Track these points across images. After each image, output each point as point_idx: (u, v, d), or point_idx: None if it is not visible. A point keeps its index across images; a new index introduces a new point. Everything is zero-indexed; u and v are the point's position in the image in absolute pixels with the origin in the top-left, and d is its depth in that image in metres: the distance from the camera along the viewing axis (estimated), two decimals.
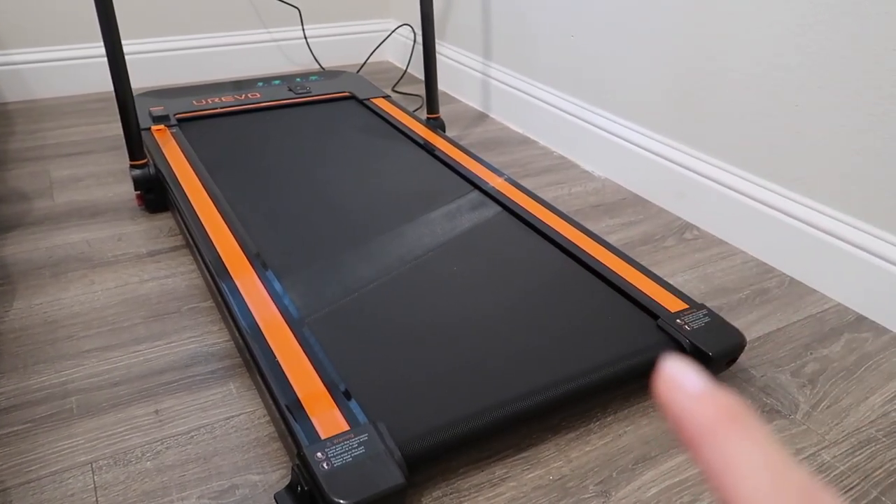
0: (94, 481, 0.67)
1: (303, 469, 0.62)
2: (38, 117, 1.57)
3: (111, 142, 1.44)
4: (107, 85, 1.10)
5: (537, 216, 1.06)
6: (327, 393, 0.69)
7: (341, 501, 0.58)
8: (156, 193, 1.16)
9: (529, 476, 0.70)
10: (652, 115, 1.28)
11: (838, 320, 0.97)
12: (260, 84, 1.52)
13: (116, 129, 1.49)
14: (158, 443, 0.72)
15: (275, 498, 0.65)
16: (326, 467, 0.61)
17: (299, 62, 1.97)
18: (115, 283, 0.98)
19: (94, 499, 0.66)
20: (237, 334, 0.80)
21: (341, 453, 0.62)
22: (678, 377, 0.17)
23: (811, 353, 0.90)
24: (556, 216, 1.06)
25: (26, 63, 1.66)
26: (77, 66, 1.71)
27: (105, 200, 1.21)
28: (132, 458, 0.70)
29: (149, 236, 1.10)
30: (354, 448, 0.63)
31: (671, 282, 0.99)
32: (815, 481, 0.16)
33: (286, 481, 0.67)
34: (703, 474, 0.15)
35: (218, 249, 0.92)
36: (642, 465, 0.72)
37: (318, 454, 0.62)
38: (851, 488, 0.70)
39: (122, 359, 0.83)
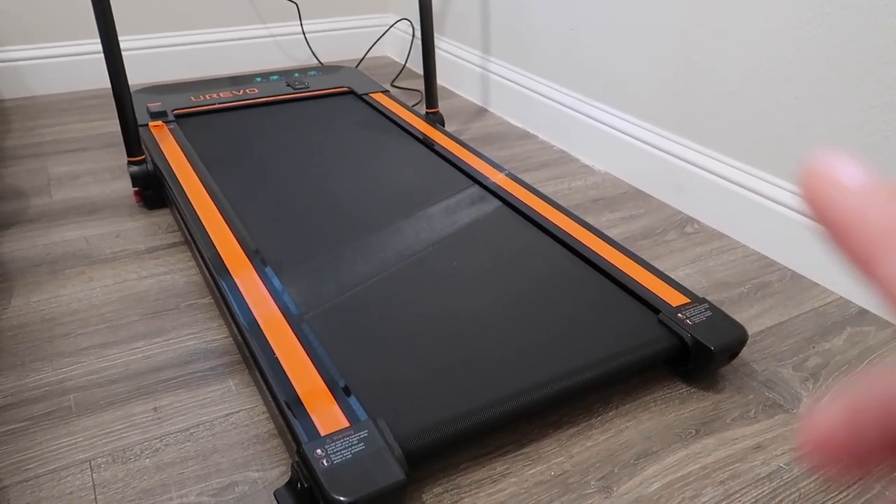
0: (92, 479, 0.67)
1: (302, 466, 0.61)
2: (35, 114, 1.56)
3: (109, 138, 1.44)
4: (104, 81, 1.09)
5: (537, 211, 1.05)
6: (327, 389, 0.69)
7: (341, 498, 0.58)
8: (154, 190, 1.15)
9: (530, 472, 0.70)
10: (652, 109, 1.27)
11: (840, 314, 0.96)
12: (258, 80, 1.51)
13: (114, 125, 1.47)
14: (157, 440, 0.72)
15: (274, 495, 0.64)
16: (326, 464, 0.60)
17: (297, 57, 1.96)
18: (114, 280, 0.97)
19: (93, 497, 0.65)
20: (236, 331, 0.80)
21: (341, 450, 0.61)
22: (835, 171, 0.13)
23: (813, 347, 0.89)
24: (556, 211, 1.06)
25: (23, 60, 1.65)
26: (74, 62, 1.70)
27: (103, 197, 1.20)
28: (131, 456, 0.70)
29: (147, 233, 1.10)
30: (354, 444, 0.62)
31: (672, 276, 0.99)
32: None
33: (286, 478, 0.66)
34: (880, 298, 0.12)
35: (216, 246, 0.92)
36: (644, 461, 0.71)
37: (318, 451, 0.61)
38: (855, 483, 0.70)
39: (121, 356, 0.83)
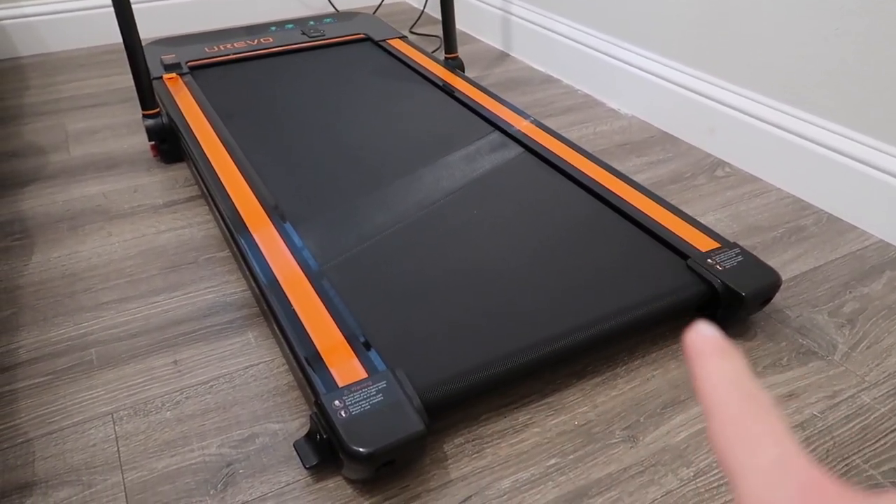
0: (115, 431, 0.67)
1: (321, 417, 0.61)
2: (52, 70, 1.55)
3: (126, 93, 1.42)
4: (120, 35, 1.07)
5: (561, 157, 1.02)
6: (345, 341, 0.68)
7: (360, 450, 0.57)
8: (170, 143, 1.14)
9: (553, 422, 0.68)
10: (681, 48, 1.21)
11: (879, 257, 0.92)
12: (273, 28, 1.48)
13: (130, 79, 1.45)
14: (178, 393, 0.72)
15: (294, 446, 0.64)
16: (344, 415, 0.59)
17: (313, 5, 1.91)
18: (132, 235, 0.97)
19: (116, 449, 0.66)
20: (254, 284, 0.78)
21: (359, 401, 0.60)
22: (701, 328, 0.21)
23: (850, 292, 0.85)
24: (580, 156, 1.02)
25: (39, 15, 1.63)
26: (90, 16, 1.67)
27: (121, 152, 1.19)
28: (152, 409, 0.70)
29: (165, 187, 1.09)
30: (373, 395, 0.61)
31: (702, 221, 0.95)
32: (759, 387, 0.19)
33: (306, 430, 0.66)
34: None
35: (233, 199, 0.90)
36: (671, 410, 0.70)
37: (336, 402, 0.60)
38: (893, 431, 0.67)
39: (141, 310, 0.83)
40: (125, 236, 0.96)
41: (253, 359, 0.76)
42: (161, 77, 1.24)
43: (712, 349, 0.20)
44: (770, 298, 0.79)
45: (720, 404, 0.19)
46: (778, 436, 0.18)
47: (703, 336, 0.21)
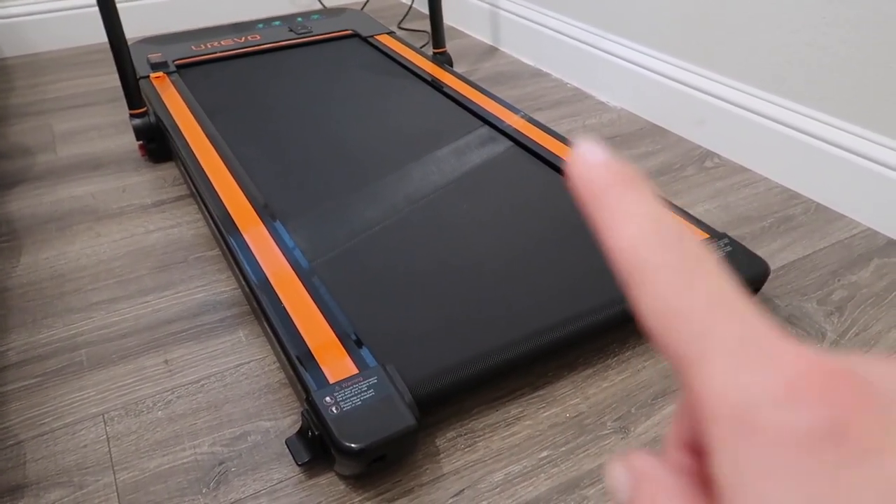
0: (106, 432, 0.67)
1: (312, 414, 0.61)
2: (38, 71, 1.54)
3: (113, 93, 1.41)
4: (105, 34, 1.06)
5: (550, 150, 1.02)
6: (335, 337, 0.68)
7: (352, 445, 0.57)
8: (158, 143, 1.13)
9: (545, 414, 0.68)
10: (669, 39, 1.21)
11: (868, 245, 0.92)
12: (260, 26, 1.47)
13: (117, 79, 1.45)
14: (169, 392, 0.71)
15: (286, 443, 0.64)
16: (335, 411, 0.59)
17: (300, 2, 1.90)
18: (121, 235, 0.96)
19: (107, 449, 0.65)
20: (244, 282, 0.78)
21: (350, 397, 0.60)
22: (585, 152, 0.16)
23: (839, 281, 0.86)
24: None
25: (24, 15, 1.62)
26: (76, 16, 1.66)
27: (108, 152, 1.19)
28: (143, 409, 0.70)
29: (153, 186, 1.08)
30: (364, 391, 0.61)
31: (691, 212, 0.95)
32: (690, 232, 0.15)
33: (298, 427, 0.66)
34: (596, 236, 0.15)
35: (221, 198, 0.90)
36: (662, 400, 0.70)
37: (327, 398, 0.60)
38: None
39: (130, 310, 0.82)
40: (114, 236, 0.96)
41: (244, 357, 0.76)
42: (148, 76, 1.23)
43: (615, 182, 0.15)
44: (759, 288, 0.80)
45: (645, 266, 0.14)
46: (733, 304, 0.13)
47: (596, 164, 0.15)
